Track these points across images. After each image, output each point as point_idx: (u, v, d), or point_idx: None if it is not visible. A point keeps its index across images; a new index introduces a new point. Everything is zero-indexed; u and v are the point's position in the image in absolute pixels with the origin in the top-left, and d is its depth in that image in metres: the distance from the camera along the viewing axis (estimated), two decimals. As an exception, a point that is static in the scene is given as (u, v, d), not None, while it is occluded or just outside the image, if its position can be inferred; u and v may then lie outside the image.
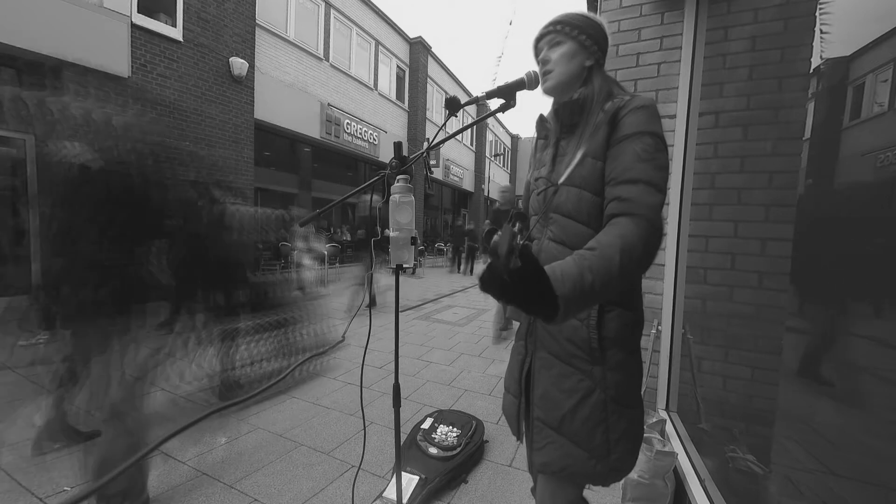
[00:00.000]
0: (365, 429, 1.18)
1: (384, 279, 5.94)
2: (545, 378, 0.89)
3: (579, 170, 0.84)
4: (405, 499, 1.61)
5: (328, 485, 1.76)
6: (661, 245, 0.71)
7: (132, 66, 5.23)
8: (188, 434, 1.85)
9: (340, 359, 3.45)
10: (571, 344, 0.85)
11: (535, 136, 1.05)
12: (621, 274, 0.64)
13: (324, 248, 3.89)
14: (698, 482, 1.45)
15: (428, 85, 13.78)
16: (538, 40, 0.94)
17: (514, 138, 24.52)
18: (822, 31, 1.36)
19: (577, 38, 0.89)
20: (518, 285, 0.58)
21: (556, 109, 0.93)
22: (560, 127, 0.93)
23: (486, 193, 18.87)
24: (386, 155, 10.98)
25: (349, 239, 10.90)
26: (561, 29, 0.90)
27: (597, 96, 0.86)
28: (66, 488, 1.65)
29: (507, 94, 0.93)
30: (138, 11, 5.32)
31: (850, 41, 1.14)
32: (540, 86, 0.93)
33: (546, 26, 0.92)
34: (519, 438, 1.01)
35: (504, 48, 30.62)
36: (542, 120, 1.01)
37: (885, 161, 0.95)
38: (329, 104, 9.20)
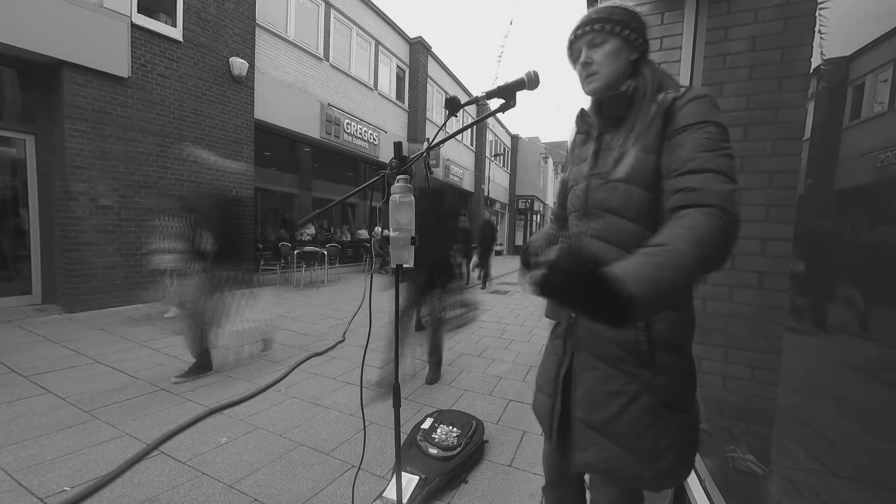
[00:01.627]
0: (365, 429, 1.18)
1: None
2: (587, 379, 0.86)
3: (629, 164, 0.80)
4: (405, 499, 1.61)
5: (328, 485, 1.76)
6: (737, 236, 0.63)
7: (132, 66, 5.22)
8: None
9: (340, 359, 3.45)
10: (617, 346, 0.81)
11: (574, 130, 1.02)
12: (701, 267, 0.59)
13: (188, 246, 3.00)
14: (698, 482, 1.44)
15: (428, 85, 13.77)
16: (575, 41, 0.89)
17: (514, 138, 24.51)
18: (821, 31, 1.36)
19: (620, 34, 0.84)
20: (584, 290, 0.54)
21: (601, 103, 0.89)
22: (603, 121, 0.90)
23: (486, 193, 18.86)
24: (386, 155, 10.97)
25: (349, 239, 10.91)
26: (601, 28, 0.84)
27: (650, 88, 0.82)
28: (66, 488, 1.65)
29: (507, 94, 0.92)
30: (138, 11, 5.32)
31: (850, 41, 1.14)
32: (583, 87, 0.89)
33: (583, 25, 0.87)
34: (550, 438, 0.98)
35: (504, 48, 30.57)
36: (582, 114, 0.97)
37: (885, 161, 0.95)
38: (329, 104, 9.19)
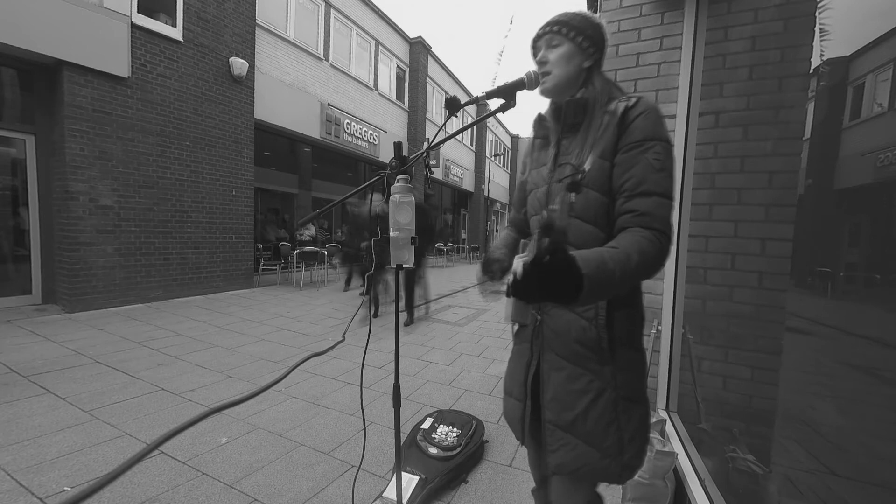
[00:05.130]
0: (365, 429, 1.18)
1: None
2: (555, 380, 0.89)
3: (590, 167, 0.84)
4: (405, 499, 1.61)
5: (328, 485, 1.76)
6: (670, 250, 0.77)
7: (132, 66, 5.22)
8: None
9: (340, 359, 3.45)
10: (580, 345, 0.85)
11: (532, 135, 1.04)
12: (635, 273, 0.69)
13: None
14: (698, 482, 1.45)
15: (428, 85, 13.77)
16: (537, 39, 0.94)
17: (514, 138, 24.51)
18: (821, 31, 1.36)
19: (574, 39, 0.89)
20: (549, 277, 0.63)
21: (559, 108, 0.93)
22: (562, 126, 0.93)
23: (486, 193, 18.86)
24: (386, 155, 10.97)
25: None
26: (559, 30, 0.90)
27: (599, 98, 0.88)
28: (66, 488, 1.65)
29: (507, 94, 0.93)
30: (138, 11, 5.32)
31: (850, 41, 1.14)
32: (538, 87, 0.93)
33: (545, 26, 0.92)
34: (523, 442, 0.99)
35: (504, 47, 30.59)
36: (540, 119, 1.00)
37: (885, 161, 0.95)
38: (329, 104, 9.19)
